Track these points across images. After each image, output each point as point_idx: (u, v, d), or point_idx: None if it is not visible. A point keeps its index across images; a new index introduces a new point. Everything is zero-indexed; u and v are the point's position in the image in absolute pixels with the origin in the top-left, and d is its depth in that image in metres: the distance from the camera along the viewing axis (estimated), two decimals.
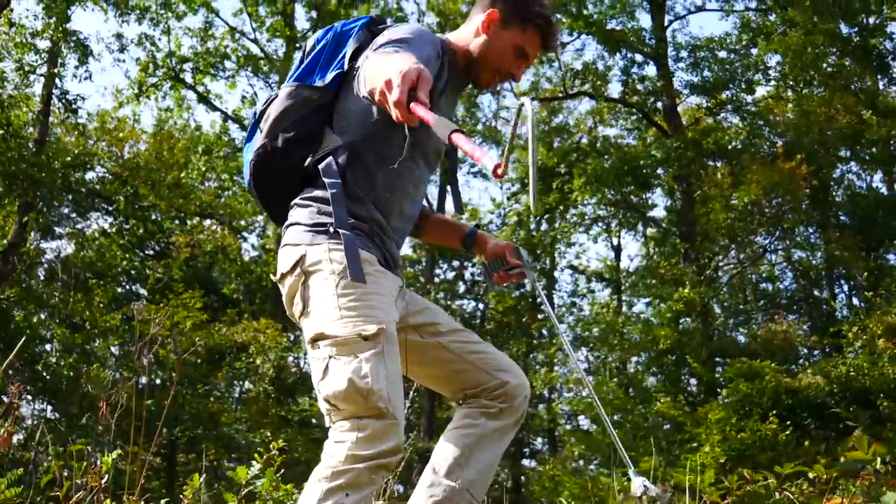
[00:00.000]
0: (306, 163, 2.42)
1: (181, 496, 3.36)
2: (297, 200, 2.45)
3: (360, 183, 2.39)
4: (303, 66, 2.56)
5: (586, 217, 25.17)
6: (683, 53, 22.70)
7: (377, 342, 2.15)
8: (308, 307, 2.28)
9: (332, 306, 2.21)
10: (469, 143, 1.79)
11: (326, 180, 2.32)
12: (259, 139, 2.47)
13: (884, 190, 24.04)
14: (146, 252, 23.27)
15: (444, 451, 2.50)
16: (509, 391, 2.52)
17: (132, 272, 22.32)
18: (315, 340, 2.21)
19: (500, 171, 1.73)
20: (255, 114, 2.56)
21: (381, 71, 1.96)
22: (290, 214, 2.45)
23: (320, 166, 2.37)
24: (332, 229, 2.28)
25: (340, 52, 2.48)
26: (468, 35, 2.59)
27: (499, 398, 2.51)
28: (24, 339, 13.62)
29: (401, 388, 2.19)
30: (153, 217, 21.86)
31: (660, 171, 22.29)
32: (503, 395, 2.51)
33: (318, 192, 2.38)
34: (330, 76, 2.44)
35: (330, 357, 2.16)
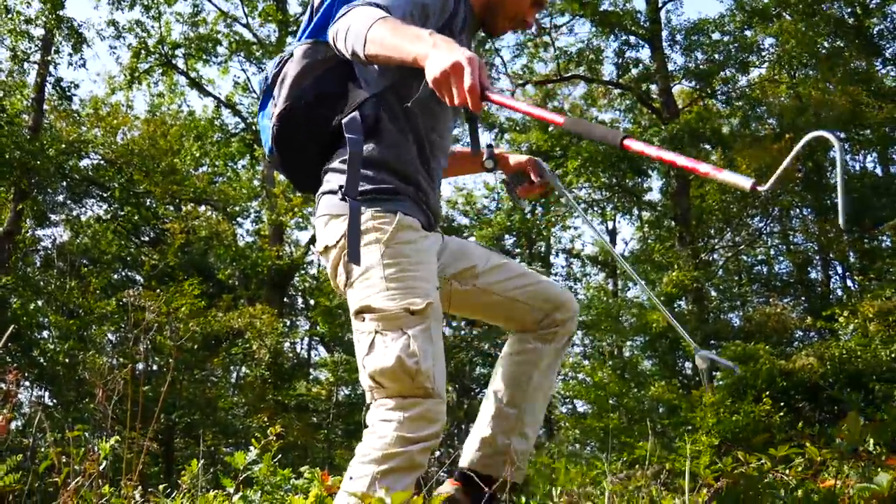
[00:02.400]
0: (333, 122, 2.31)
1: (179, 482, 3.37)
2: (330, 165, 2.36)
3: (395, 133, 2.30)
4: (314, 21, 2.45)
5: (581, 201, 25.19)
6: (678, 37, 22.69)
7: (425, 317, 2.11)
8: (351, 277, 2.21)
9: (377, 277, 2.15)
10: (657, 150, 1.73)
11: (348, 136, 2.22)
12: (279, 103, 2.35)
13: (878, 172, 24.08)
14: (141, 239, 23.24)
15: (503, 379, 2.57)
16: (558, 318, 2.59)
17: (127, 259, 22.30)
18: (360, 312, 2.16)
19: (760, 188, 1.58)
20: (266, 78, 2.46)
21: (412, 46, 1.93)
22: (325, 180, 2.37)
23: (344, 121, 2.27)
24: (371, 196, 2.22)
25: None
26: None
27: (550, 325, 2.59)
28: (14, 326, 13.63)
29: (444, 365, 2.16)
30: (147, 203, 21.83)
31: None
32: (552, 322, 2.58)
33: (355, 151, 2.26)
34: None
35: (376, 332, 2.11)
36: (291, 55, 2.39)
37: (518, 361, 2.57)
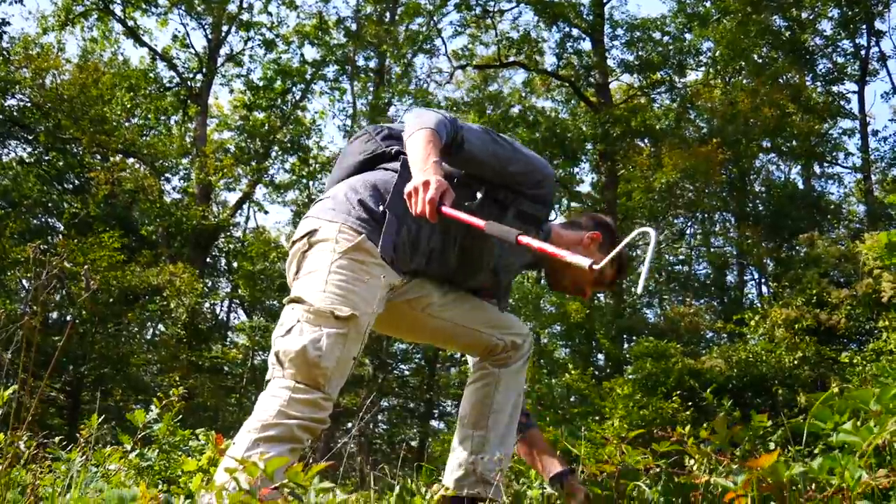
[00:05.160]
0: (387, 147, 2.69)
1: (78, 435, 3.38)
2: (351, 181, 2.62)
3: None
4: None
5: None
6: (620, 31, 22.93)
7: (345, 325, 2.30)
8: (300, 272, 2.45)
9: (320, 279, 2.37)
10: (541, 243, 2.18)
11: (404, 170, 2.50)
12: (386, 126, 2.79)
13: (800, 183, 24.74)
14: (64, 186, 22.73)
15: (468, 405, 2.78)
16: (510, 344, 2.80)
17: (48, 205, 21.80)
18: (293, 301, 2.37)
19: (595, 266, 2.05)
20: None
21: (417, 163, 2.33)
22: (334, 189, 2.63)
23: (403, 157, 2.55)
24: (354, 216, 2.45)
25: None
26: (573, 235, 2.83)
27: (503, 351, 2.79)
28: None
29: (345, 375, 2.34)
30: (73, 150, 21.35)
31: (589, 146, 22.53)
32: (505, 347, 2.79)
33: (375, 178, 2.58)
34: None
35: (298, 321, 2.31)
36: None
37: (479, 387, 2.78)
